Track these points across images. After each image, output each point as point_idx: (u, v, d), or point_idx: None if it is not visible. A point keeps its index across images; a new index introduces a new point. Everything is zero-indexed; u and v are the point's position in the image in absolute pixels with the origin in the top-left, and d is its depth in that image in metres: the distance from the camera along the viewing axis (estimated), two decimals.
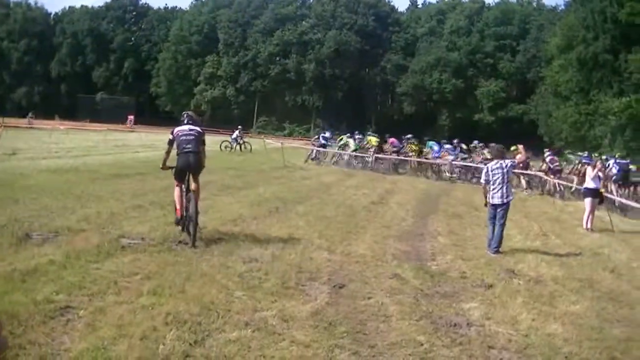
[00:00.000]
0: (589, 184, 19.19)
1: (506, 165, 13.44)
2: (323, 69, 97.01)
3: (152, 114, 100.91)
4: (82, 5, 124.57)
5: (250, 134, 65.54)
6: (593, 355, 7.31)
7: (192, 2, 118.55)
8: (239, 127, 47.88)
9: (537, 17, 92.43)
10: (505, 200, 13.22)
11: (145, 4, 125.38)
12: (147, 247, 10.55)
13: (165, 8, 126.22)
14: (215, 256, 10.38)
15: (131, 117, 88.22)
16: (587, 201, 18.86)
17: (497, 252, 12.93)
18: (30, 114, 73.83)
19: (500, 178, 13.24)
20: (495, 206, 13.28)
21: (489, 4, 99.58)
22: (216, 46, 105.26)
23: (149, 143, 47.23)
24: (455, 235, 15.09)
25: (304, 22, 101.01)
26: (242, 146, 44.68)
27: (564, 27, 68.65)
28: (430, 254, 12.66)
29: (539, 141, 63.06)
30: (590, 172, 19.40)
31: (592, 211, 18.56)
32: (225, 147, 43.97)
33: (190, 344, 6.47)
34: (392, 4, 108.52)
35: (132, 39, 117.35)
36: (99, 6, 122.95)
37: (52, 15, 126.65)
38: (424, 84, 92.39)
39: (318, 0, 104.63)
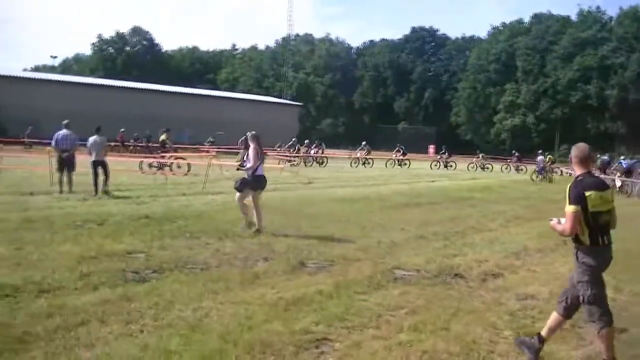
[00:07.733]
0: None
1: None
2: (627, 94, 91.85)
3: (452, 144, 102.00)
4: (382, 39, 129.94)
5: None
6: None
7: (489, 31, 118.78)
8: (548, 154, 47.01)
9: None
10: None
11: (443, 34, 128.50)
12: (420, 280, 10.24)
13: (463, 37, 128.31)
14: (490, 291, 9.80)
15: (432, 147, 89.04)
16: None
17: None
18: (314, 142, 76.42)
19: None
20: None
21: None
22: (515, 74, 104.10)
23: (443, 172, 47.61)
24: None
25: (604, 46, 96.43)
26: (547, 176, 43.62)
27: None
28: None
29: None
30: None
31: None
32: (536, 177, 43.08)
33: None
34: None
35: (431, 69, 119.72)
36: (398, 39, 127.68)
37: (353, 50, 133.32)
38: None
39: (619, 23, 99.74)
